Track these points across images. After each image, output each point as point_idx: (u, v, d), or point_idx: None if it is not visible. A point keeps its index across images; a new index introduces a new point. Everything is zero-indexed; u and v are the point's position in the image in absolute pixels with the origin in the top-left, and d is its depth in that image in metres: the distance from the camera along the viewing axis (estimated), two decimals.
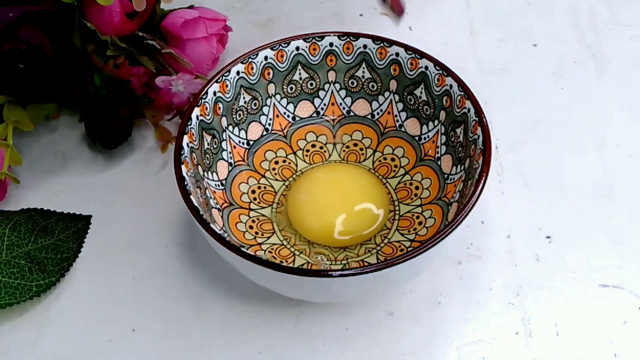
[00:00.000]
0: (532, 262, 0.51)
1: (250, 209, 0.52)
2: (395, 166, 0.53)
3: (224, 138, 0.52)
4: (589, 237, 0.52)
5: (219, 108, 0.52)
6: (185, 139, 0.48)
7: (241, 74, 0.52)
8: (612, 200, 0.54)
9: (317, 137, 0.55)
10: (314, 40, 0.53)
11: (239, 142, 0.53)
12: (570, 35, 0.65)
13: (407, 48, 0.52)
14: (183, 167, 0.46)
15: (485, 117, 0.48)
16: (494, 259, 0.52)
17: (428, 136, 0.53)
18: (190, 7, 0.59)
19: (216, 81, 0.51)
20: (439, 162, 0.52)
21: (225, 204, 0.51)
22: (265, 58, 0.53)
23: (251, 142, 0.54)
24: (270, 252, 0.49)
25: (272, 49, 0.53)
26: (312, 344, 0.48)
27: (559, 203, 0.54)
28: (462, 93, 0.49)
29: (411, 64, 0.52)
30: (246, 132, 0.54)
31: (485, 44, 0.64)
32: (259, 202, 0.52)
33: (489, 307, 0.49)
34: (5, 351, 0.49)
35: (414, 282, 0.50)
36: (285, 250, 0.50)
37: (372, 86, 0.54)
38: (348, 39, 0.53)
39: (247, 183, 0.53)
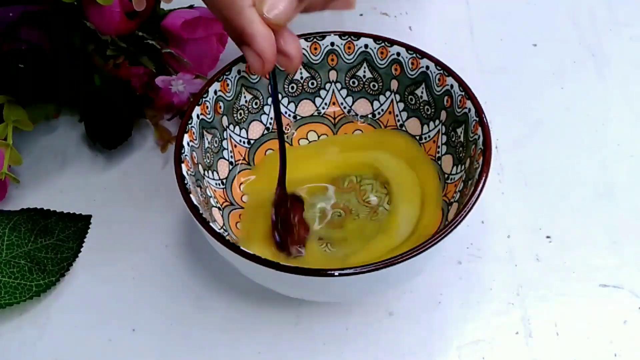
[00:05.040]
0: (532, 262, 0.51)
1: None
2: None
3: (225, 137, 0.52)
4: (589, 237, 0.52)
5: (220, 107, 0.52)
6: (186, 137, 0.48)
7: (242, 73, 0.52)
8: (612, 200, 0.54)
9: (318, 136, 0.55)
10: (315, 40, 0.53)
11: (240, 141, 0.53)
12: (570, 35, 0.65)
13: (408, 48, 0.52)
14: (183, 165, 0.46)
15: (485, 117, 0.48)
16: (494, 259, 0.52)
17: (429, 136, 0.53)
18: (190, 7, 0.59)
19: (217, 80, 0.51)
20: (439, 162, 0.52)
21: (226, 203, 0.51)
22: None
23: (252, 141, 0.54)
24: None
25: None
26: (312, 344, 0.48)
27: (559, 203, 0.54)
28: (463, 93, 0.49)
29: (412, 63, 0.52)
30: (247, 131, 0.54)
31: (485, 44, 0.64)
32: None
33: (489, 307, 0.49)
34: (5, 351, 0.48)
35: (414, 282, 0.50)
36: None
37: (373, 86, 0.54)
38: (349, 39, 0.53)
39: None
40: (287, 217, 0.49)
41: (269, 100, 0.54)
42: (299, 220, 0.50)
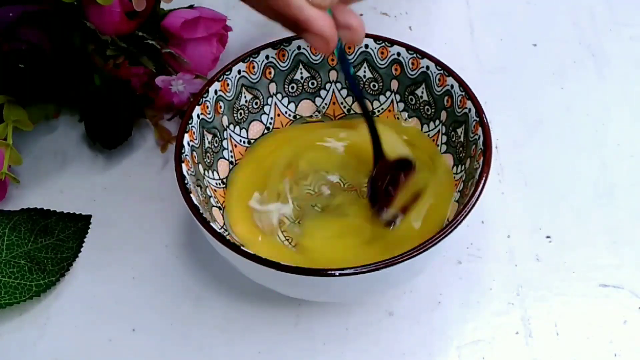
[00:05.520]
0: (532, 262, 0.51)
1: None
2: None
3: (225, 137, 0.52)
4: (589, 237, 0.52)
5: (220, 107, 0.52)
6: (186, 137, 0.48)
7: (242, 73, 0.52)
8: (612, 200, 0.54)
9: None
10: None
11: (240, 140, 0.53)
12: (570, 35, 0.65)
13: (408, 48, 0.52)
14: (184, 165, 0.46)
15: (486, 117, 0.48)
16: (494, 259, 0.52)
17: (429, 136, 0.53)
18: (190, 7, 0.59)
19: (217, 80, 0.51)
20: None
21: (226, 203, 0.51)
22: (267, 57, 0.53)
23: (252, 141, 0.54)
24: None
25: (273, 48, 0.53)
26: (312, 344, 0.48)
27: (559, 203, 0.54)
28: (463, 93, 0.49)
29: (412, 63, 0.52)
30: (247, 131, 0.54)
31: (485, 43, 0.64)
32: None
33: (489, 307, 0.49)
34: (5, 351, 0.48)
35: (414, 282, 0.50)
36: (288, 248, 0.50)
37: (374, 86, 0.54)
38: None
39: None
40: (392, 182, 0.49)
41: (269, 100, 0.54)
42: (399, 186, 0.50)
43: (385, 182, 0.50)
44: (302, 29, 0.46)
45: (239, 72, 0.52)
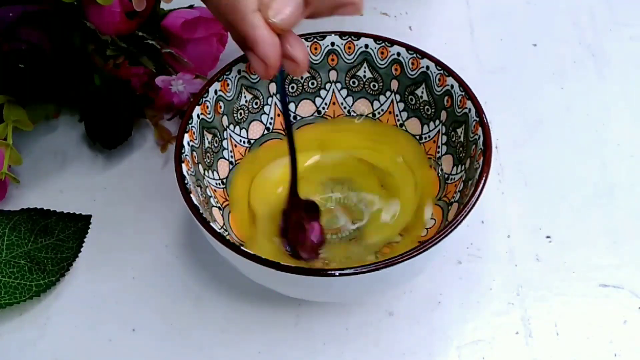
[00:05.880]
0: (532, 262, 0.51)
1: None
2: None
3: (225, 137, 0.52)
4: (589, 237, 0.52)
5: (220, 107, 0.52)
6: (186, 137, 0.48)
7: (242, 73, 0.52)
8: (612, 200, 0.54)
9: None
10: (315, 40, 0.53)
11: (240, 140, 0.53)
12: (570, 35, 0.65)
13: (408, 48, 0.52)
14: (184, 165, 0.46)
15: (486, 117, 0.48)
16: (494, 259, 0.52)
17: (429, 136, 0.53)
18: (190, 7, 0.59)
19: (217, 80, 0.51)
20: (439, 162, 0.52)
21: (226, 203, 0.51)
22: None
23: (252, 141, 0.54)
24: None
25: None
26: (312, 344, 0.48)
27: (559, 203, 0.54)
28: (463, 93, 0.49)
29: (412, 63, 0.52)
30: (247, 131, 0.54)
31: (485, 43, 0.64)
32: None
33: (489, 307, 0.49)
34: (5, 351, 0.48)
35: (414, 282, 0.50)
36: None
37: (374, 86, 0.54)
38: (349, 39, 0.53)
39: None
40: (298, 223, 0.49)
41: (269, 100, 0.54)
42: (313, 227, 0.50)
43: (296, 219, 0.49)
44: (248, 47, 0.45)
45: (239, 72, 0.52)
